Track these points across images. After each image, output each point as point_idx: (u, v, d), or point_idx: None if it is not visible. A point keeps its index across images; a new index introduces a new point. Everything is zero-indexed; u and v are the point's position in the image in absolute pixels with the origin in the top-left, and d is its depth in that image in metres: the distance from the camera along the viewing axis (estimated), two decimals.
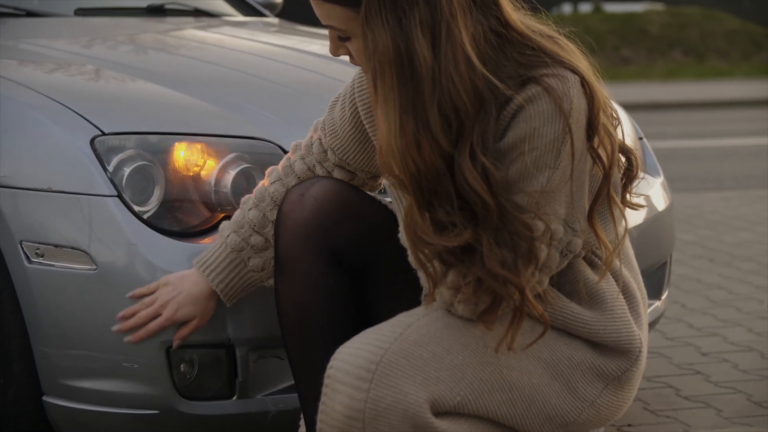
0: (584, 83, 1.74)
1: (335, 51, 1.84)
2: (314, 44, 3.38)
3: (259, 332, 2.12)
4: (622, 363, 1.84)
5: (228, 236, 2.04)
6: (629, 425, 2.73)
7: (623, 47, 21.36)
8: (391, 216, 1.95)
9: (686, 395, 2.96)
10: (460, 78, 1.68)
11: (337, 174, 2.07)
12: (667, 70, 20.03)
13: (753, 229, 5.33)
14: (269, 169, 2.10)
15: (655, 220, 2.66)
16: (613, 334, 1.83)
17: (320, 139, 2.07)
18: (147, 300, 2.06)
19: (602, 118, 1.76)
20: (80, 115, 2.22)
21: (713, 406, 2.87)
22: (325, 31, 3.78)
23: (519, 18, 1.77)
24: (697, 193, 6.61)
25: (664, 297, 2.83)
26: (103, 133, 2.19)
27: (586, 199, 1.80)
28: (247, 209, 2.05)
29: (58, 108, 2.25)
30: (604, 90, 1.78)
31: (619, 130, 1.83)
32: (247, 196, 2.07)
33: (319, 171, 2.07)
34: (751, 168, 8.10)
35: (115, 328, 2.07)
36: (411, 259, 1.76)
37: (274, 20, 3.74)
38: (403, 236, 1.76)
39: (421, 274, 1.78)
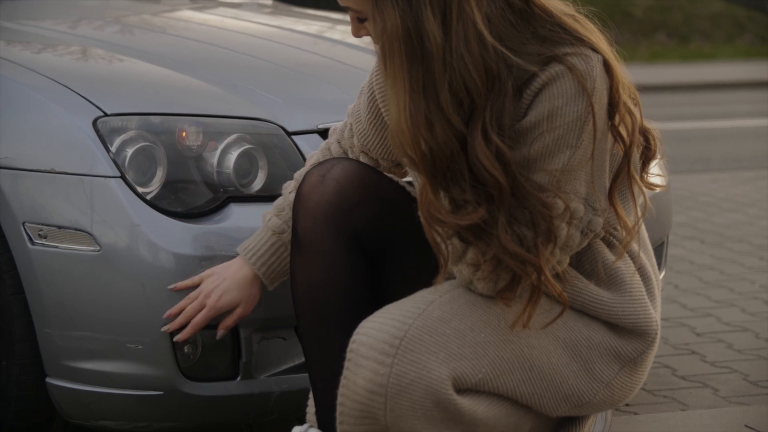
0: (606, 62, 1.75)
1: (356, 32, 1.83)
2: (309, 25, 3.39)
3: (263, 313, 2.12)
4: (638, 345, 1.85)
5: (269, 220, 2.04)
6: (627, 405, 2.74)
7: (607, 30, 21.38)
8: (410, 198, 1.95)
9: (683, 375, 2.98)
10: (470, 56, 1.68)
11: (362, 160, 2.06)
12: (651, 53, 20.03)
13: (743, 210, 5.36)
14: (310, 154, 2.10)
15: (652, 200, 2.66)
16: (631, 315, 1.84)
17: (351, 125, 2.08)
18: (192, 294, 2.06)
19: (623, 96, 1.76)
20: (82, 96, 2.21)
21: (710, 385, 2.89)
22: (318, 12, 3.79)
23: None
24: (687, 174, 6.63)
25: (661, 277, 2.84)
26: (106, 114, 2.18)
27: (607, 177, 1.80)
28: (287, 192, 2.05)
29: (60, 89, 2.24)
30: (623, 69, 1.78)
31: (637, 109, 1.83)
32: (288, 182, 2.08)
33: (350, 155, 2.08)
34: (738, 149, 8.13)
35: (165, 328, 2.07)
36: (427, 236, 1.76)
37: (268, 1, 3.73)
38: (423, 221, 1.76)
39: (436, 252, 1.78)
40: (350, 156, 2.07)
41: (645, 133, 1.85)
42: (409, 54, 1.68)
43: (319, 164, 1.97)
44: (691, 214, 5.23)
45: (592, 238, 1.81)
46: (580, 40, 1.74)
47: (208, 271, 2.06)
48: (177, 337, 2.06)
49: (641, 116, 1.83)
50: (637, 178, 1.84)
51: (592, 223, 1.79)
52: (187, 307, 2.06)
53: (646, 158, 1.86)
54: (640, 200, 1.85)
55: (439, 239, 1.74)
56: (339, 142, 2.10)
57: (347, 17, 3.87)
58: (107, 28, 2.98)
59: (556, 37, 1.74)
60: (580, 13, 1.80)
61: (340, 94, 2.49)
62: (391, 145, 1.76)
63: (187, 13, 3.33)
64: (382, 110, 1.99)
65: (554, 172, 1.72)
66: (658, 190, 1.94)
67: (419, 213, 1.75)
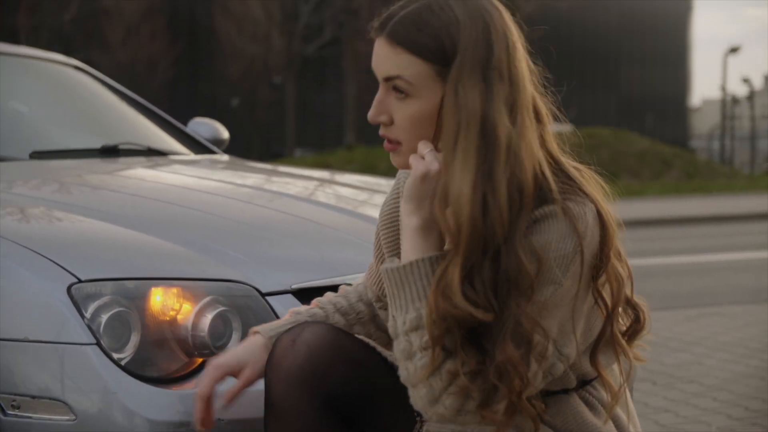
0: (600, 215, 1.80)
1: (376, 116, 1.84)
2: (267, 181, 3.42)
3: None
4: None
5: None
6: None
7: (608, 180, 21.78)
8: (381, 358, 1.96)
9: None
10: (527, 159, 1.75)
11: (383, 314, 2.07)
12: None
13: (689, 349, 5.41)
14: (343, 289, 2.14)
15: None
16: None
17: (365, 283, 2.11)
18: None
19: (613, 259, 1.80)
20: (55, 263, 2.20)
21: None
22: (275, 167, 3.80)
23: (555, 143, 1.85)
24: None
25: None
26: (80, 281, 2.17)
27: (579, 332, 1.82)
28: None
29: (31, 256, 2.23)
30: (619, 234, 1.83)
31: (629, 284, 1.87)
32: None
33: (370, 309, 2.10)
34: (674, 286, 8.26)
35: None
36: (426, 322, 1.75)
37: (224, 157, 3.77)
38: (431, 301, 1.75)
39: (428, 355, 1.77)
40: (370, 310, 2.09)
41: (635, 307, 1.89)
42: (482, 135, 1.73)
43: (289, 330, 1.97)
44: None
45: (549, 382, 1.82)
46: (580, 191, 1.80)
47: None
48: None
49: (632, 291, 1.88)
50: (622, 342, 1.87)
51: (554, 367, 1.81)
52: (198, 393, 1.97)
53: (635, 331, 1.90)
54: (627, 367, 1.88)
55: (438, 332, 1.74)
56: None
57: (304, 172, 3.90)
58: (69, 189, 2.98)
59: (560, 184, 1.79)
60: (584, 163, 1.86)
61: (310, 252, 2.51)
62: (437, 215, 1.76)
63: (145, 172, 3.34)
64: (386, 253, 2.02)
65: (537, 302, 1.75)
66: (641, 363, 1.97)
67: (431, 296, 1.75)
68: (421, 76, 1.78)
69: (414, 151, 1.81)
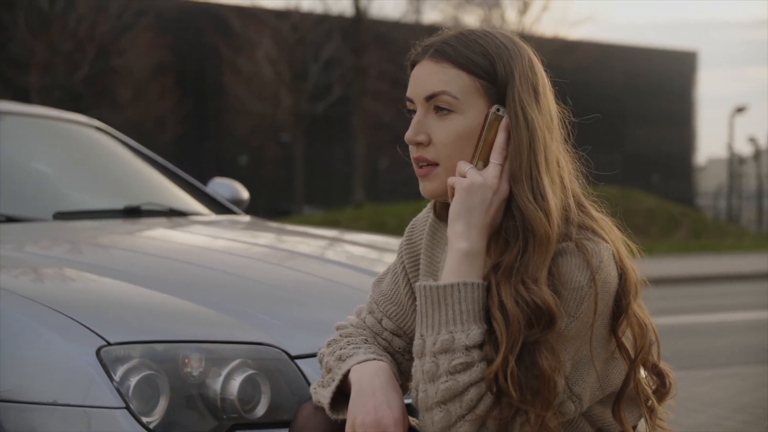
0: (615, 258, 1.79)
1: (415, 135, 1.82)
2: (288, 242, 3.41)
3: None
4: None
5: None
6: None
7: (628, 233, 21.78)
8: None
9: None
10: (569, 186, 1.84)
11: (396, 343, 1.98)
12: None
13: (707, 410, 5.37)
14: (340, 324, 2.04)
15: None
16: None
17: (372, 313, 2.01)
18: None
19: (635, 307, 1.80)
20: (84, 326, 2.19)
21: None
22: (298, 228, 3.80)
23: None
24: None
25: None
26: (109, 344, 2.16)
27: (593, 375, 1.81)
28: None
29: (60, 318, 2.22)
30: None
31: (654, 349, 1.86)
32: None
33: (380, 341, 1.98)
34: (687, 345, 8.19)
35: None
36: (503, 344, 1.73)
37: (246, 217, 3.77)
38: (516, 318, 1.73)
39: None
40: (379, 342, 1.99)
41: (660, 374, 1.88)
42: (546, 154, 1.81)
43: (311, 399, 1.94)
44: None
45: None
46: (599, 236, 1.80)
47: (350, 414, 1.82)
48: None
49: (659, 356, 1.87)
50: (651, 395, 1.87)
51: (564, 406, 1.80)
52: None
53: (659, 397, 1.89)
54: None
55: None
56: (371, 313, 2.01)
57: (325, 232, 3.89)
58: (94, 250, 2.98)
59: (580, 228, 1.80)
60: (606, 214, 1.87)
61: (337, 314, 2.48)
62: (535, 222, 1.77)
63: (169, 232, 3.34)
64: (412, 281, 1.98)
65: (553, 334, 1.74)
66: None
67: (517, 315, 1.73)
68: (467, 90, 1.80)
69: (451, 172, 1.80)
